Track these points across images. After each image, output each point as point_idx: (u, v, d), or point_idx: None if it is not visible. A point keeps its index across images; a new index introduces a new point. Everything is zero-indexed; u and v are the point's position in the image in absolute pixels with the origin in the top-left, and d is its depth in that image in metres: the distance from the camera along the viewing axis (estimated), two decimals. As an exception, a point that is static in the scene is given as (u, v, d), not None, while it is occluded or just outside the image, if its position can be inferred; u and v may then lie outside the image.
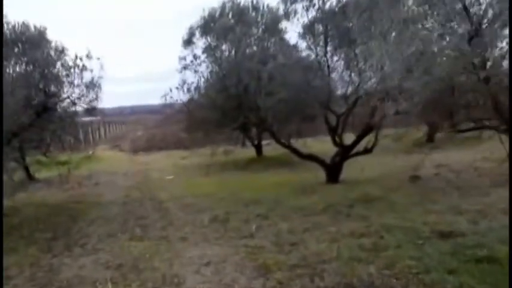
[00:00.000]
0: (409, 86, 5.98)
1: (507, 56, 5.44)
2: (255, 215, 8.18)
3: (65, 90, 9.03)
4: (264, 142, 18.17)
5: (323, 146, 14.46)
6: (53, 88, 8.82)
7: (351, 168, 11.28)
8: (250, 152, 18.43)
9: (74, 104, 9.25)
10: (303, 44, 10.92)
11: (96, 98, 9.34)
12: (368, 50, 7.09)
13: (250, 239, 6.79)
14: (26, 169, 14.17)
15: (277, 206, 8.82)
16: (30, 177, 14.41)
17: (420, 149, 16.42)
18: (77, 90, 9.13)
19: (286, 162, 14.72)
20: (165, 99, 12.56)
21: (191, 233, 7.34)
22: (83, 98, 9.21)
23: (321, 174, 11.21)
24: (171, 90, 11.95)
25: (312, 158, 11.15)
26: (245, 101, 10.27)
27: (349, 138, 11.29)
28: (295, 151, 11.19)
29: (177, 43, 12.26)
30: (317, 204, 8.67)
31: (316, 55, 10.07)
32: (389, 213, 7.67)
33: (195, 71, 11.78)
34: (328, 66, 9.97)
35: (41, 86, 8.44)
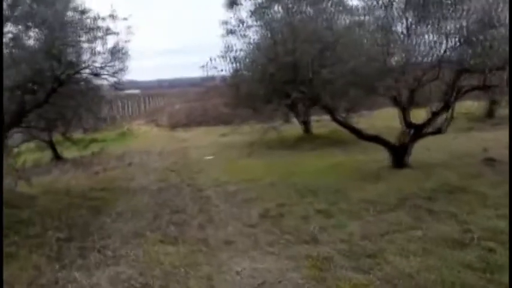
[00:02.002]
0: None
1: None
2: (314, 211, 6.64)
3: (85, 58, 7.50)
4: (312, 118, 16.57)
5: (376, 122, 13.02)
6: (70, 56, 7.35)
7: (414, 149, 9.55)
8: (296, 129, 16.83)
9: (96, 75, 7.76)
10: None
11: (123, 68, 7.79)
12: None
13: (312, 245, 5.31)
14: (53, 148, 13.08)
15: (339, 198, 7.22)
16: (57, 157, 13.29)
17: (480, 125, 14.84)
18: (99, 59, 7.60)
19: (338, 141, 13.12)
20: (205, 70, 10.90)
21: (237, 235, 5.88)
22: (106, 68, 7.70)
23: (380, 155, 9.55)
24: (211, 60, 10.25)
25: (376, 139, 9.42)
26: (302, 72, 8.49)
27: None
28: (355, 131, 9.49)
29: (220, 13, 10.34)
30: (388, 196, 7.09)
31: (385, 17, 8.17)
32: (484, 210, 6.12)
33: (244, 36, 9.93)
34: (408, 31, 7.99)
35: (55, 53, 6.97)
